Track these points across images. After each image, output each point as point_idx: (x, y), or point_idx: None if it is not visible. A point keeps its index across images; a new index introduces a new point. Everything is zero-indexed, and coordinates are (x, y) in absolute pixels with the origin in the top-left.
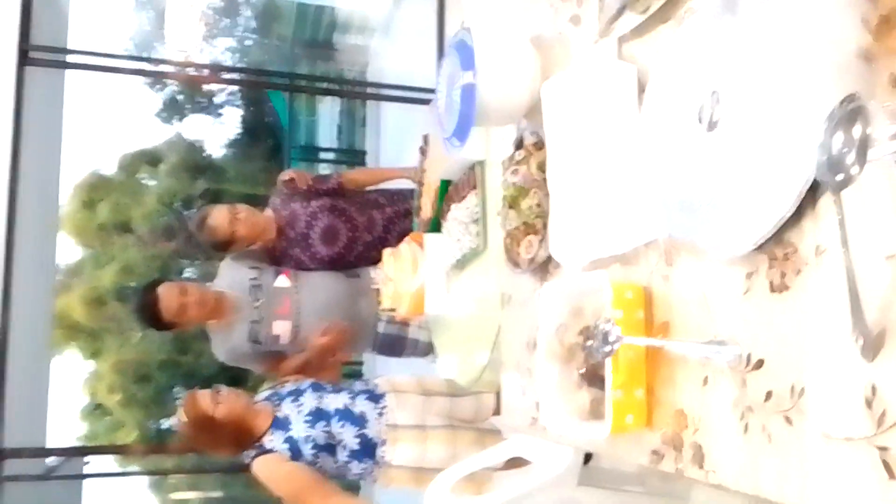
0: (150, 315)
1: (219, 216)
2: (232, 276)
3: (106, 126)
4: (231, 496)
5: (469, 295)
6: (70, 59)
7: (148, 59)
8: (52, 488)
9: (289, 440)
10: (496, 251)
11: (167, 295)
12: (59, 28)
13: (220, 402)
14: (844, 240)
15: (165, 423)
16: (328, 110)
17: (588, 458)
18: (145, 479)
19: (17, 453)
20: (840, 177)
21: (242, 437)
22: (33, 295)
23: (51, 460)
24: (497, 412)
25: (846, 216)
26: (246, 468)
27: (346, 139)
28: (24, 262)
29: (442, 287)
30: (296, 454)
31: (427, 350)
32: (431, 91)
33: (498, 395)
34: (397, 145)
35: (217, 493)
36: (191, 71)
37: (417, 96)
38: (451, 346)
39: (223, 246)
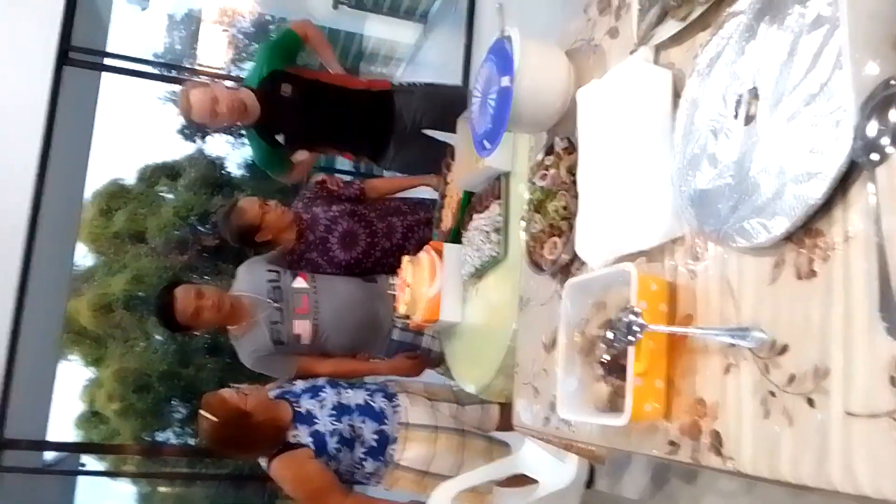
0: (166, 317)
1: (249, 202)
2: (251, 279)
3: (130, 136)
4: None
5: (485, 304)
6: (107, 62)
7: (180, 67)
8: (47, 484)
9: (314, 434)
10: (516, 258)
11: (183, 297)
12: (99, 34)
13: (248, 396)
14: (877, 217)
15: (161, 436)
16: None
17: (590, 482)
18: (136, 488)
19: (16, 444)
20: (875, 156)
21: (275, 432)
22: (48, 293)
23: (48, 458)
24: (503, 426)
25: (880, 196)
26: (240, 475)
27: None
28: (43, 259)
29: (458, 295)
30: (321, 448)
31: (438, 360)
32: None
33: (505, 405)
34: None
35: None
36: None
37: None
38: (463, 354)
39: (249, 230)
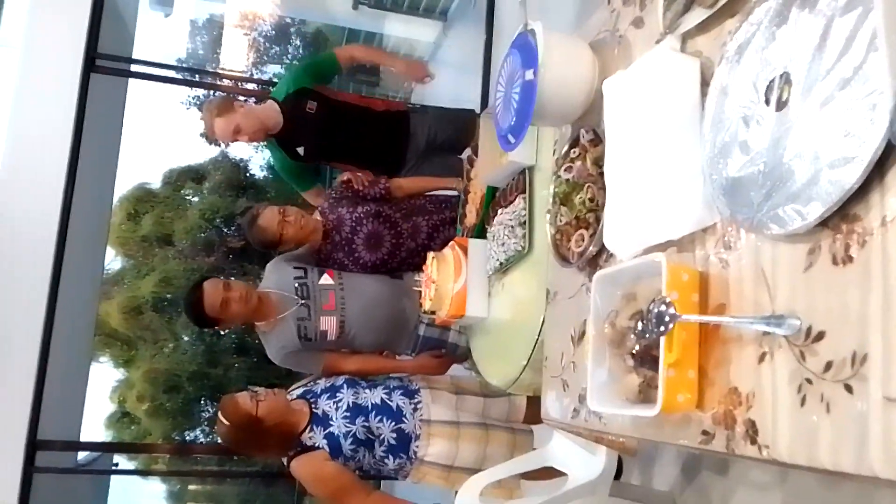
0: (196, 312)
1: (268, 216)
2: (278, 276)
3: (155, 141)
4: None
5: (511, 298)
6: (133, 69)
7: (204, 72)
8: (81, 483)
9: (329, 436)
10: (541, 252)
11: (211, 290)
12: (125, 41)
13: (261, 401)
14: None
15: (191, 435)
16: None
17: (619, 473)
18: (167, 486)
19: (50, 445)
20: None
21: (286, 436)
22: (79, 296)
23: (81, 458)
24: (530, 418)
25: None
26: (270, 473)
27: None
28: (74, 263)
29: (484, 290)
30: (336, 450)
31: (465, 355)
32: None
33: (532, 398)
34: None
35: None
36: (244, 86)
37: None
38: (490, 349)
39: (271, 245)
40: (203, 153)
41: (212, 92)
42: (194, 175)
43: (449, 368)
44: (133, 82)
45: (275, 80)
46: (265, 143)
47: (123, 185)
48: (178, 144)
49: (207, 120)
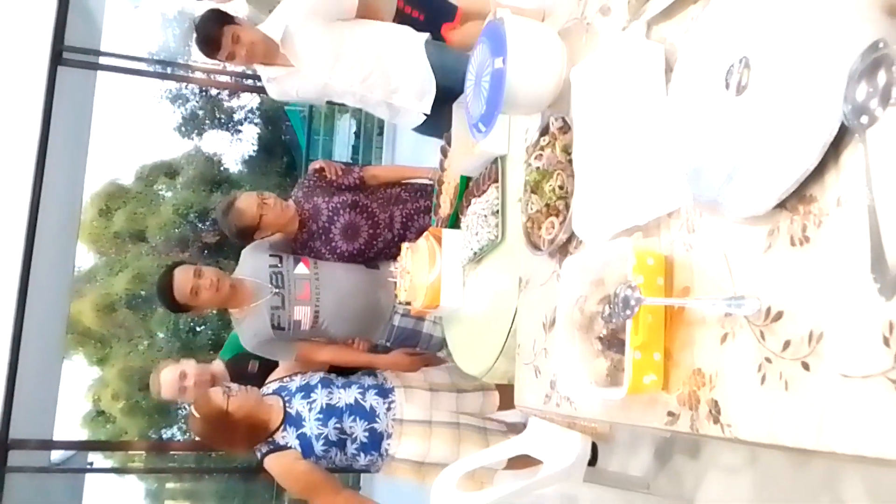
0: (166, 296)
1: (247, 200)
2: (253, 264)
3: (125, 136)
4: None
5: (485, 287)
6: (102, 61)
7: (176, 64)
8: (55, 483)
9: (301, 437)
10: (514, 240)
11: (181, 277)
12: (92, 33)
13: (232, 396)
14: (868, 180)
15: (168, 433)
16: (345, 129)
17: (594, 460)
18: (144, 485)
19: (23, 444)
20: (865, 119)
21: (255, 431)
22: (50, 294)
23: (55, 457)
24: (503, 408)
25: (870, 158)
26: (248, 469)
27: (362, 158)
28: (44, 260)
29: (458, 280)
30: (307, 450)
31: (440, 345)
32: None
33: (503, 387)
34: (414, 163)
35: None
36: (217, 78)
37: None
38: (465, 338)
39: (248, 231)
40: (176, 147)
41: (183, 85)
42: (167, 170)
43: (422, 366)
44: (102, 76)
45: (248, 72)
46: None
47: (94, 182)
48: (151, 138)
49: (154, 379)
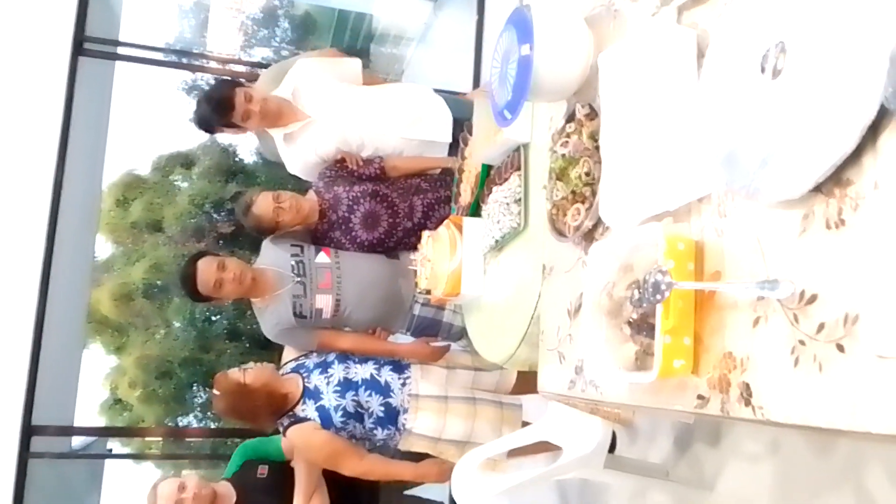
0: (189, 287)
1: (263, 204)
2: (274, 254)
3: (142, 127)
4: None
5: (506, 275)
6: (120, 52)
7: (192, 54)
8: (75, 470)
9: (320, 409)
10: (536, 229)
11: (205, 269)
12: (112, 23)
13: (248, 371)
14: None
15: (184, 421)
16: None
17: (613, 447)
18: (161, 472)
19: (44, 430)
20: None
21: (275, 404)
22: (71, 283)
23: (76, 444)
24: (519, 390)
25: None
26: None
27: None
28: (65, 249)
29: (479, 269)
30: (326, 422)
31: (460, 334)
32: None
33: (524, 374)
34: None
35: None
36: (234, 68)
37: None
38: (486, 326)
39: (267, 231)
40: (192, 138)
41: (199, 76)
42: (183, 161)
43: (443, 357)
44: (119, 66)
45: (263, 62)
46: None
47: (111, 172)
48: (166, 130)
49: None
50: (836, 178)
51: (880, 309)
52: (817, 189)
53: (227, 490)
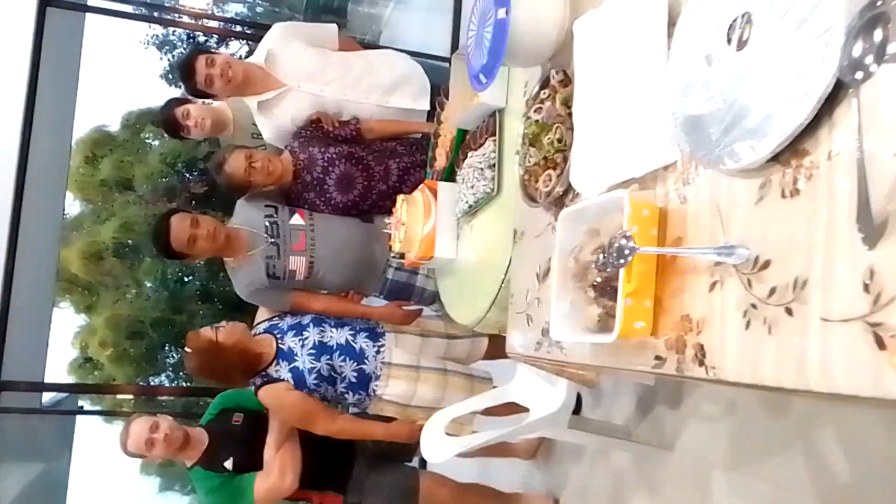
0: (162, 243)
1: (235, 163)
2: (248, 214)
3: (112, 82)
4: None
5: (479, 239)
6: (91, 3)
7: (164, 8)
8: (46, 426)
9: (294, 370)
10: (510, 194)
11: (179, 225)
12: None
13: (220, 329)
14: (860, 134)
15: (155, 381)
16: None
17: (578, 409)
18: None
19: (14, 386)
20: (860, 74)
21: (248, 363)
22: (40, 239)
23: (46, 401)
24: (490, 355)
25: (862, 113)
26: None
27: None
28: (34, 204)
29: (453, 232)
30: (300, 383)
31: (432, 299)
32: (446, 59)
33: (493, 337)
34: None
35: None
36: (206, 24)
37: (431, 63)
38: (458, 289)
39: (239, 190)
40: (164, 95)
41: (171, 31)
42: (154, 118)
43: (415, 320)
44: (89, 19)
45: (236, 17)
46: (191, 474)
47: (80, 128)
48: (138, 85)
49: (122, 433)
50: (793, 149)
51: (826, 275)
52: (775, 158)
53: (199, 435)
